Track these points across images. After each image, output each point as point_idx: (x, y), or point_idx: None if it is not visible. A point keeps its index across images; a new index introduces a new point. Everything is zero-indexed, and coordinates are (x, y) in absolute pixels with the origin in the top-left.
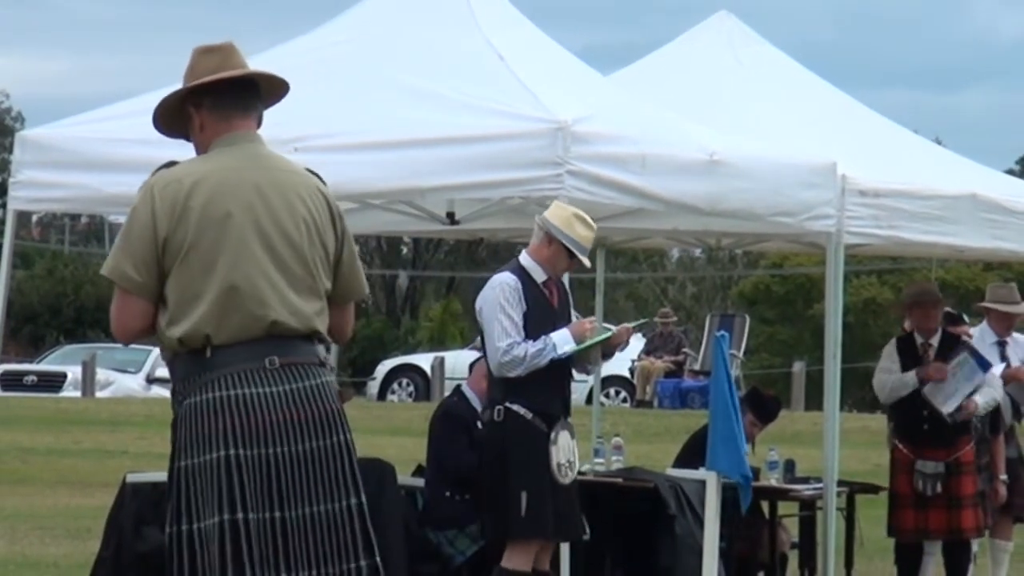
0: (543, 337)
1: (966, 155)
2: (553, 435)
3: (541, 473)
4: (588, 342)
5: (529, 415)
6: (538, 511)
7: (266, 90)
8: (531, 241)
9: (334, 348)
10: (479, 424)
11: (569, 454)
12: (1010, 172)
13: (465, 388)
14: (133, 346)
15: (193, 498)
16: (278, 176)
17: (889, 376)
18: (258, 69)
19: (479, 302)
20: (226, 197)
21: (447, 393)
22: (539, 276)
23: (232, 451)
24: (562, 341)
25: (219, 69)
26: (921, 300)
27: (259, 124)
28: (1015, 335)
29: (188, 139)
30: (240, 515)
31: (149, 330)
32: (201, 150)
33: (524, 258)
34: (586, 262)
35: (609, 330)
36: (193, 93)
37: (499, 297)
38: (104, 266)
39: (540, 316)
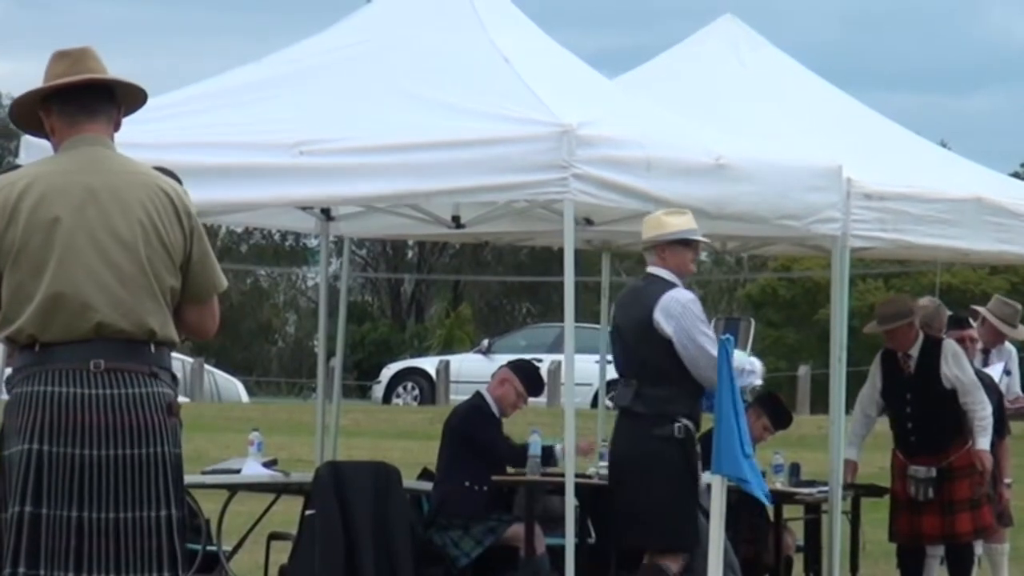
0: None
1: (972, 158)
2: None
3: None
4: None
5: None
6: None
7: (122, 95)
8: (651, 263)
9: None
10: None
11: None
12: (1015, 175)
13: (484, 392)
14: None
15: (7, 487)
16: (115, 179)
17: (863, 393)
18: (109, 75)
19: (669, 318)
20: (55, 200)
21: (452, 396)
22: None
23: (40, 446)
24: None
25: (68, 74)
26: (884, 322)
27: (116, 127)
28: (1006, 344)
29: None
30: (41, 510)
31: None
32: (54, 151)
33: (664, 273)
34: (705, 240)
35: None
36: (44, 97)
37: (696, 313)
38: None
39: None
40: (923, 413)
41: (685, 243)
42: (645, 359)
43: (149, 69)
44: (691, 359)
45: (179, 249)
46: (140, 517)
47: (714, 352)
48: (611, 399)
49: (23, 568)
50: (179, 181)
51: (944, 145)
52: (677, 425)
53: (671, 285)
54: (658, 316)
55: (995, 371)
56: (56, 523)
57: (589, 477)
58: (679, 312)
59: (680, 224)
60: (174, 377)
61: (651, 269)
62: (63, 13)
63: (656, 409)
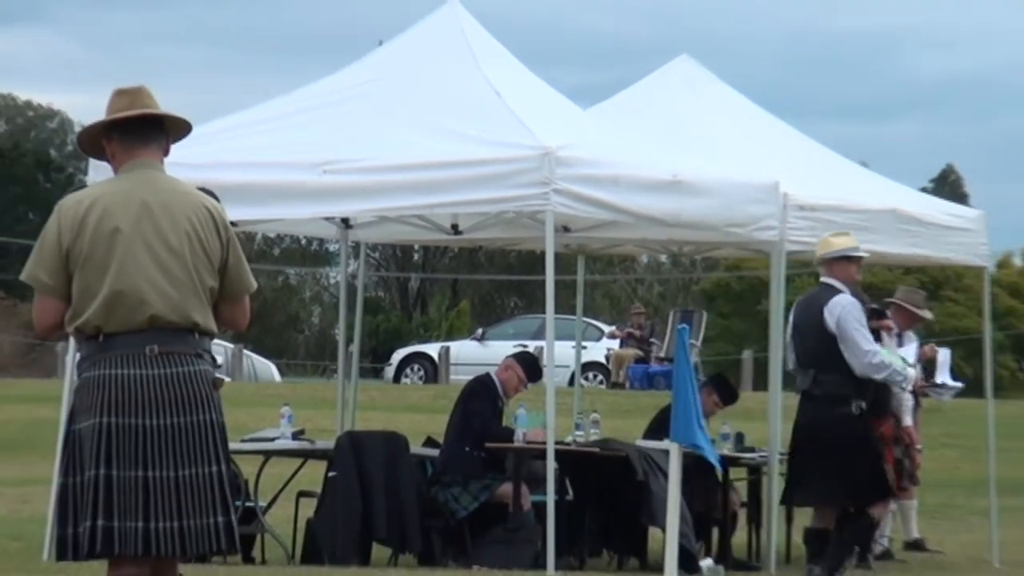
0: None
1: (888, 176)
2: None
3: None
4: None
5: (857, 410)
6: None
7: (171, 126)
8: (823, 274)
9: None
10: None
11: None
12: (924, 190)
13: (493, 375)
14: None
15: (78, 455)
16: (166, 196)
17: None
18: (160, 110)
19: (833, 317)
20: (116, 214)
21: (452, 376)
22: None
23: (108, 419)
24: (903, 367)
25: (126, 108)
26: None
27: (166, 153)
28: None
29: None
30: (113, 471)
31: (60, 325)
32: (115, 173)
33: (832, 282)
34: (865, 254)
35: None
36: (106, 128)
37: (855, 314)
38: (23, 273)
39: None
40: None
41: (848, 258)
42: (819, 352)
43: (196, 102)
44: (847, 350)
45: (217, 255)
46: (195, 473)
47: (865, 346)
48: (796, 384)
49: (101, 520)
50: (217, 199)
51: (865, 165)
52: (855, 403)
53: (837, 291)
54: (827, 315)
55: (909, 352)
56: (125, 482)
57: (567, 444)
58: (840, 313)
59: (843, 244)
60: (214, 359)
61: (823, 279)
62: (125, 54)
63: (831, 391)
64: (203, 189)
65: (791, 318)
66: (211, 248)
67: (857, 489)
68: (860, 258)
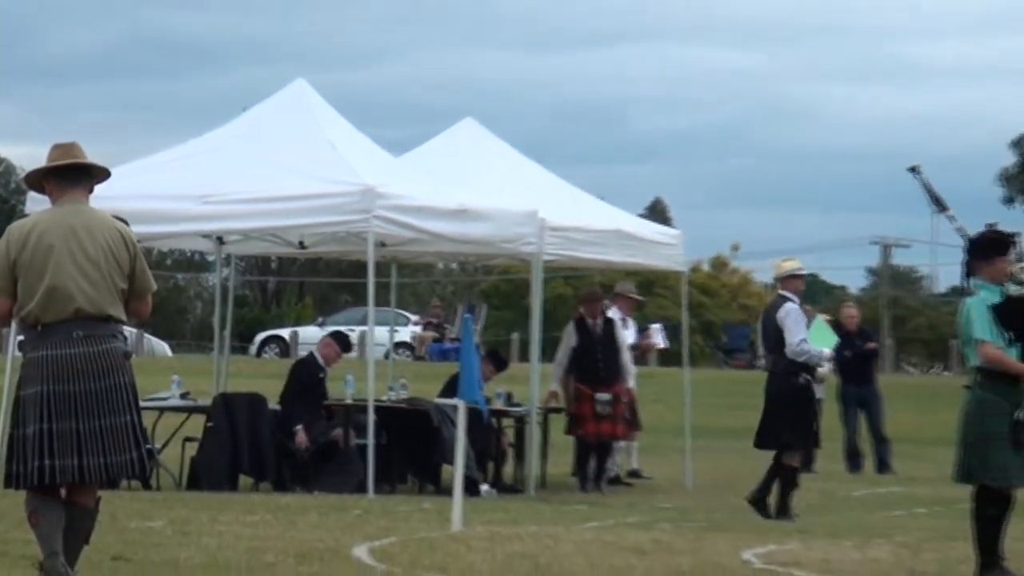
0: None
1: (616, 206)
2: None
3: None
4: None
5: (804, 381)
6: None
7: (95, 172)
8: (779, 287)
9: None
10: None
11: None
12: (640, 216)
13: (315, 351)
14: None
15: (25, 414)
16: (88, 222)
17: (564, 344)
18: (86, 160)
19: (781, 318)
20: (51, 234)
21: (299, 353)
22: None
23: (47, 386)
24: (819, 350)
25: (62, 158)
26: (587, 298)
27: (90, 191)
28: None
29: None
30: (53, 425)
31: (9, 315)
32: (52, 204)
33: (786, 293)
34: (805, 271)
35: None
36: (45, 172)
37: (794, 316)
38: None
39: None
40: (607, 359)
41: (795, 276)
42: (775, 341)
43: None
44: (786, 339)
45: (126, 264)
46: (115, 422)
47: (793, 338)
48: (763, 360)
49: (47, 461)
50: (127, 223)
51: (601, 198)
52: (802, 376)
53: (787, 300)
54: (778, 316)
55: (630, 334)
56: (62, 432)
57: (383, 401)
58: (784, 315)
59: (789, 267)
60: (126, 339)
61: (779, 291)
62: (60, 117)
63: (784, 368)
64: (117, 216)
65: (760, 318)
66: (121, 259)
67: (787, 437)
68: (803, 275)
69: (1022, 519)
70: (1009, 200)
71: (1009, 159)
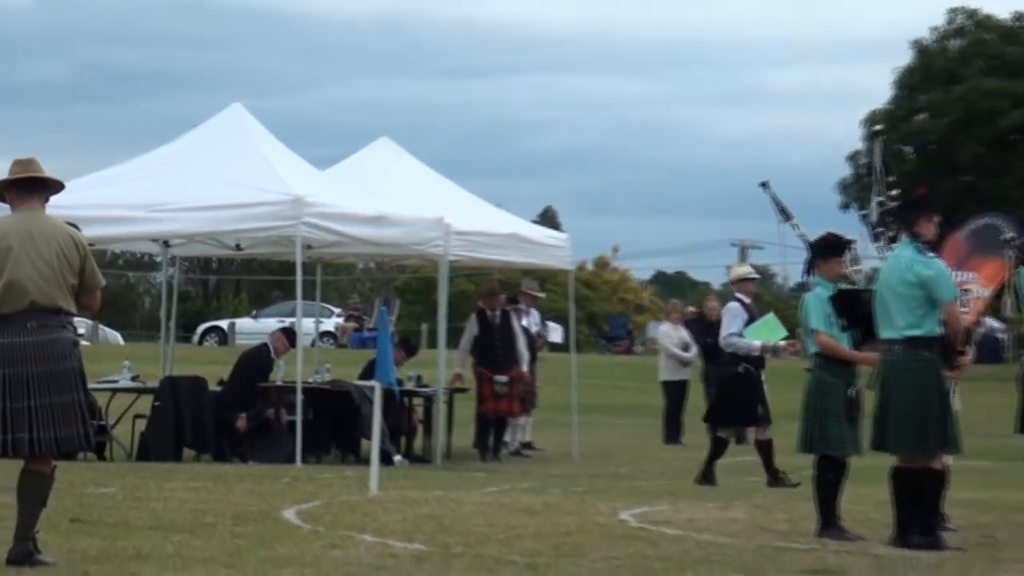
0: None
1: (512, 213)
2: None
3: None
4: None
5: (742, 369)
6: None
7: (51, 184)
8: (734, 290)
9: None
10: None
11: None
12: (534, 222)
13: (268, 342)
14: None
15: None
16: (43, 228)
17: (467, 334)
18: (43, 174)
19: (724, 313)
20: (10, 237)
21: (238, 342)
22: (746, 301)
23: (4, 370)
24: (748, 342)
25: (22, 172)
26: (487, 294)
27: (46, 201)
28: (533, 311)
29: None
30: (9, 404)
31: None
32: (12, 212)
33: (738, 295)
34: (755, 275)
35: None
36: (7, 184)
37: (733, 312)
38: None
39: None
40: (504, 346)
41: (745, 280)
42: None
43: (69, 166)
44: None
45: (76, 264)
46: (63, 400)
47: (724, 331)
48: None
49: (9, 435)
50: (79, 228)
51: (499, 206)
52: (742, 365)
53: (737, 299)
54: (725, 309)
55: (533, 322)
56: (18, 411)
57: (311, 383)
58: (724, 311)
59: (741, 271)
60: (75, 330)
61: (736, 293)
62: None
63: (727, 358)
64: (70, 223)
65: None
66: (72, 259)
67: (740, 418)
68: (754, 279)
69: (856, 484)
70: (845, 206)
71: (846, 171)
